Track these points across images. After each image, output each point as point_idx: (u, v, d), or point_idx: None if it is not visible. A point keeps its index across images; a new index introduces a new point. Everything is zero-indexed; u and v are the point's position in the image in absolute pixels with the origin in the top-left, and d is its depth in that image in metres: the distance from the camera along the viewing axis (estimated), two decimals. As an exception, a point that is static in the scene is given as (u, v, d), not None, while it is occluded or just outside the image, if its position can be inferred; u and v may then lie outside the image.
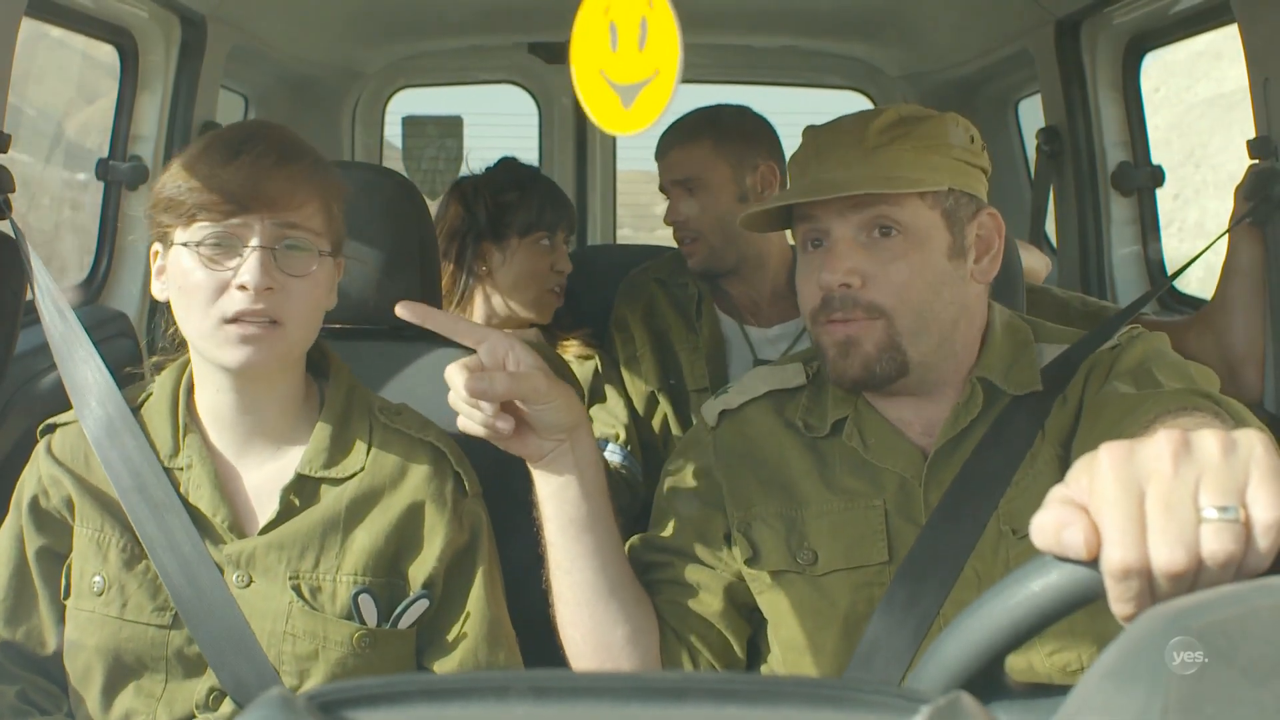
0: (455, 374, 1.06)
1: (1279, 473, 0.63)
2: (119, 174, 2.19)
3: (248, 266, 1.16)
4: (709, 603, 1.22)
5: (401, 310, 1.12)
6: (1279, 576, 0.50)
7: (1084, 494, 0.65)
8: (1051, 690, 0.71)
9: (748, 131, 2.11)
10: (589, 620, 1.16)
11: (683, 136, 2.09)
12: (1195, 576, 0.62)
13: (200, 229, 1.17)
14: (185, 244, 1.18)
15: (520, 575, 1.30)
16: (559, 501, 1.14)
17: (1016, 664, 1.13)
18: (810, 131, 1.26)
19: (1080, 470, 0.66)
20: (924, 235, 1.18)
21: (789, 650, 1.22)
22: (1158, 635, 0.48)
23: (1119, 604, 0.63)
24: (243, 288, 1.16)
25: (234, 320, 1.16)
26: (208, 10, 2.19)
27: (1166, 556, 0.61)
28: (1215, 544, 0.61)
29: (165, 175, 1.22)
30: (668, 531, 1.26)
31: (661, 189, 2.15)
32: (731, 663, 1.24)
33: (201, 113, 2.24)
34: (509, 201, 2.07)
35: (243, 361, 1.18)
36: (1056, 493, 0.66)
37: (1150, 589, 0.62)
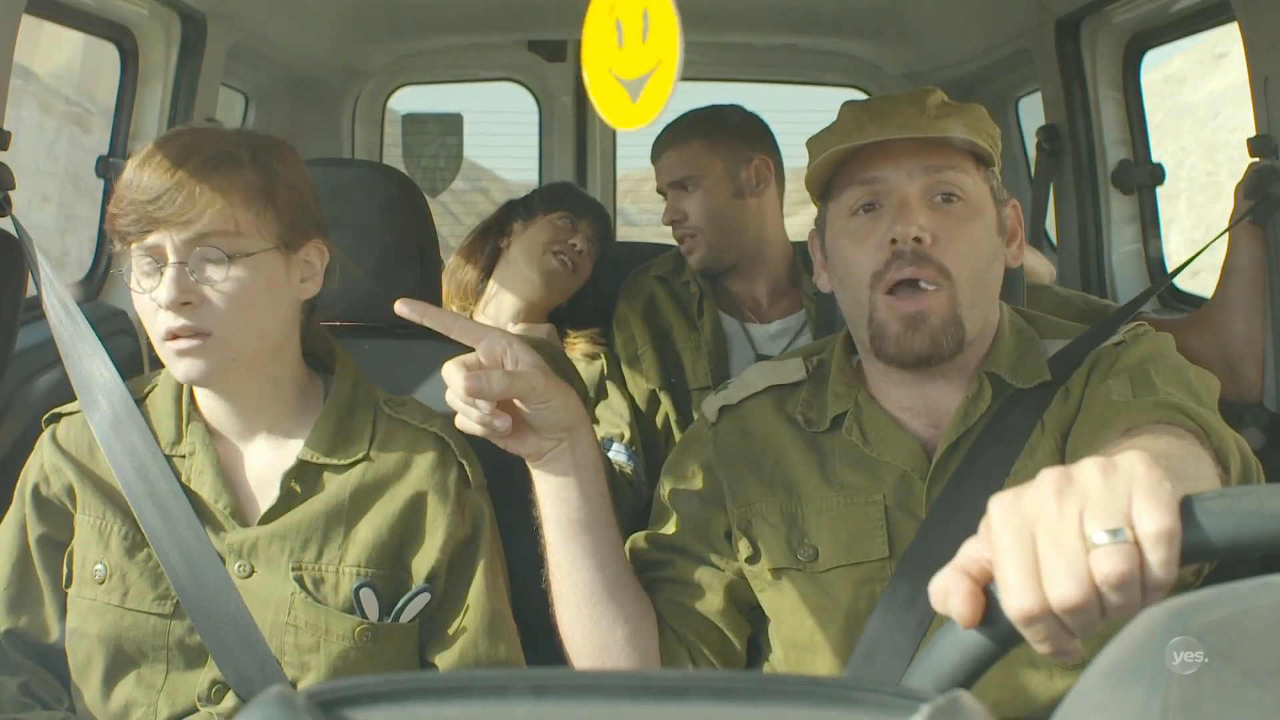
0: (452, 372, 1.06)
1: (1160, 486, 0.64)
2: (119, 171, 2.18)
3: (162, 284, 1.16)
4: (710, 601, 1.22)
5: (401, 307, 1.12)
6: (1279, 576, 0.50)
7: (987, 546, 0.66)
8: None
9: (739, 128, 2.14)
10: (588, 620, 1.16)
11: (675, 138, 2.12)
12: (1099, 605, 0.63)
13: (134, 252, 1.19)
14: (126, 269, 1.20)
15: (521, 574, 1.30)
16: (558, 501, 1.14)
17: (1019, 659, 1.13)
18: (855, 104, 1.25)
19: (984, 524, 0.67)
20: (981, 206, 1.21)
21: (791, 648, 1.21)
22: (1158, 635, 0.48)
23: (1037, 646, 0.64)
24: (163, 307, 1.16)
25: (170, 338, 1.17)
26: (208, 8, 2.19)
27: (1060, 593, 0.62)
28: (1106, 567, 0.62)
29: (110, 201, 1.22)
30: (669, 529, 1.26)
31: (659, 191, 2.18)
32: (732, 661, 1.24)
33: (202, 111, 2.23)
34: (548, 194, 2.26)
35: (187, 376, 1.19)
36: (965, 549, 0.67)
37: (1062, 626, 0.63)
